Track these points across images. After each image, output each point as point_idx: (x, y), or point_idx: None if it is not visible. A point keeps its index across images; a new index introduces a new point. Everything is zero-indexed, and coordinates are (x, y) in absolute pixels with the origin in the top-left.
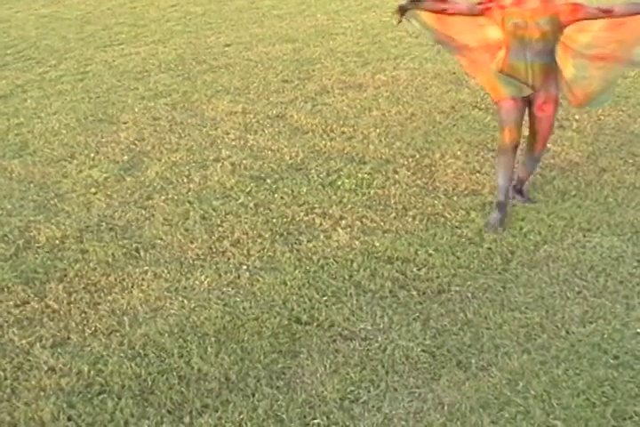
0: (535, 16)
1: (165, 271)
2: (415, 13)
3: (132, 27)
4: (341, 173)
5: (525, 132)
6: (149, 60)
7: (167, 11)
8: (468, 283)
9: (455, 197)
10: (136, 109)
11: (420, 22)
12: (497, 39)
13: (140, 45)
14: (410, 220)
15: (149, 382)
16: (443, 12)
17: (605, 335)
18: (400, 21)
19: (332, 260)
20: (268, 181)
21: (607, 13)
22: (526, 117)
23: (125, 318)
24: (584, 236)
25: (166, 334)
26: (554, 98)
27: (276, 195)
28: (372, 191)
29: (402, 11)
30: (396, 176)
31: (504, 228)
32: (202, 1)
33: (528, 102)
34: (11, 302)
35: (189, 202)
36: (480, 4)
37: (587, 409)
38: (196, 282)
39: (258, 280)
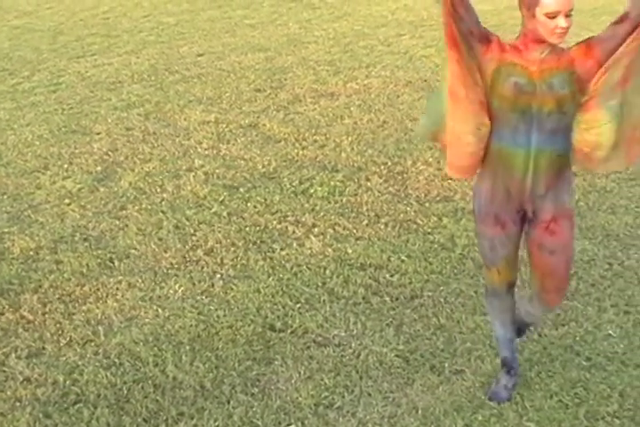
0: (546, 73)
1: (140, 281)
2: None
3: (105, 37)
4: (314, 181)
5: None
6: (122, 70)
7: (140, 21)
8: (441, 288)
9: (427, 204)
10: (109, 120)
11: None
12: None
13: (112, 56)
14: (382, 226)
15: (125, 391)
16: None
17: (577, 338)
18: None
19: (305, 267)
20: (241, 189)
21: (627, 23)
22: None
23: (100, 327)
24: None
25: (141, 343)
26: (568, 212)
27: (248, 203)
28: (344, 199)
29: None
30: (369, 183)
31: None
32: (174, 11)
33: (523, 221)
34: None
35: (163, 212)
36: (484, 29)
37: (559, 411)
38: (170, 291)
39: (231, 288)
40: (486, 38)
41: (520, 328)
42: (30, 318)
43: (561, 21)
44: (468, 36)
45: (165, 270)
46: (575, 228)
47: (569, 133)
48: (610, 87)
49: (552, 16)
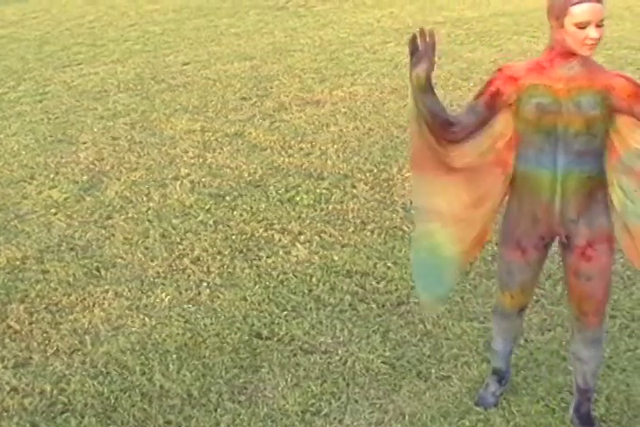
0: (574, 91)
1: (126, 290)
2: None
3: (91, 47)
4: (300, 188)
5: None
6: (108, 79)
7: (126, 30)
8: None
9: (413, 211)
10: (95, 129)
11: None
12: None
13: (98, 65)
14: (368, 234)
15: (112, 400)
16: (443, 131)
17: (563, 342)
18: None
19: (291, 275)
20: (227, 198)
21: None
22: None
23: (87, 336)
24: None
25: (128, 352)
26: (606, 234)
27: (235, 212)
28: (330, 206)
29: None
30: (354, 191)
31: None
32: (160, 20)
33: (546, 248)
34: None
35: (149, 220)
36: (478, 94)
37: (546, 415)
38: (157, 300)
39: (218, 297)
40: (494, 97)
41: (588, 415)
42: (17, 327)
43: (592, 32)
44: (487, 119)
45: (152, 279)
46: (615, 251)
47: (600, 155)
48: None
49: (582, 26)
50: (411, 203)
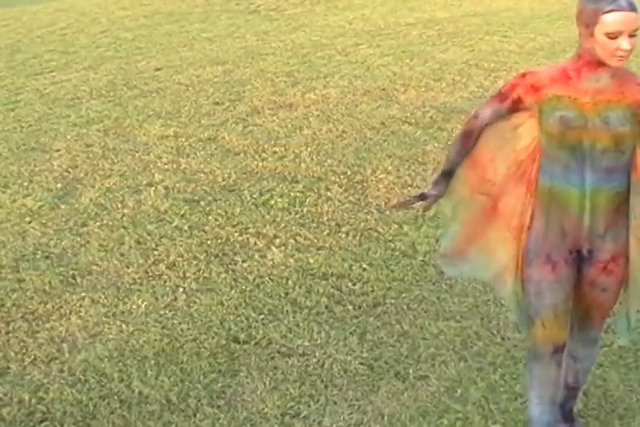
0: (601, 105)
1: (103, 297)
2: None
3: (63, 54)
4: (274, 192)
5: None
6: (81, 86)
7: (97, 37)
8: (403, 295)
9: (388, 212)
10: (68, 137)
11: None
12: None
13: (70, 72)
14: (343, 236)
15: (91, 408)
16: (468, 139)
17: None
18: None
19: (267, 278)
20: (202, 203)
21: None
22: None
23: (64, 344)
24: None
25: (106, 359)
26: (626, 248)
27: (209, 217)
28: (304, 209)
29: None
30: (329, 193)
31: None
32: (131, 26)
33: (577, 264)
34: None
35: (124, 227)
36: (503, 98)
37: (525, 412)
38: (134, 306)
39: (195, 302)
40: (515, 104)
41: (570, 413)
42: None
43: (623, 42)
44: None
45: (128, 286)
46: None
47: (628, 170)
48: None
49: (613, 36)
50: (385, 204)
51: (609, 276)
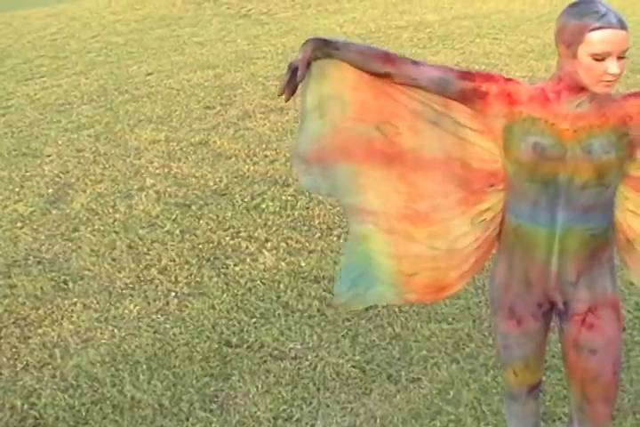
0: (583, 133)
1: (95, 302)
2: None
3: (54, 59)
4: (265, 196)
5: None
6: (71, 91)
7: (88, 42)
8: None
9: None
10: (59, 142)
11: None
12: (489, 170)
13: (61, 77)
14: (334, 239)
15: (83, 413)
16: (385, 76)
17: None
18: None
19: (259, 282)
20: (193, 207)
21: None
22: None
23: (56, 350)
24: None
25: (98, 364)
26: (610, 299)
27: (201, 221)
28: (296, 213)
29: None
30: (320, 197)
31: None
32: (123, 31)
33: (548, 317)
34: None
35: (116, 232)
36: (467, 76)
37: None
38: (126, 311)
39: (187, 306)
40: (474, 92)
41: None
42: None
43: (612, 65)
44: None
45: (120, 290)
46: (622, 319)
47: (609, 209)
48: None
49: (600, 58)
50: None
51: (591, 331)
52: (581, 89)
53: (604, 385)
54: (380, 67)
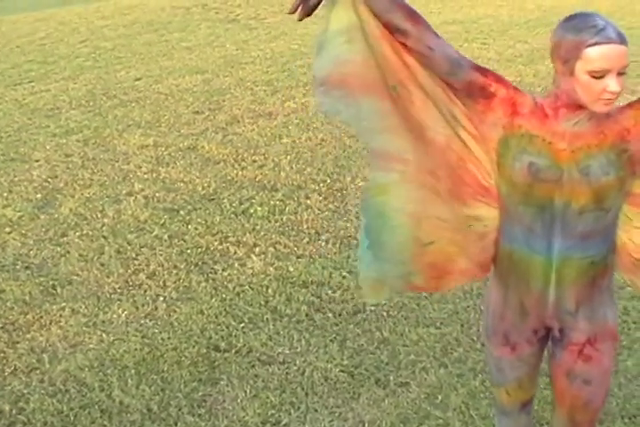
0: (580, 153)
1: (83, 307)
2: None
3: (42, 64)
4: (253, 201)
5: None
6: (60, 96)
7: (76, 46)
8: (383, 302)
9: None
10: (48, 147)
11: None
12: (481, 183)
13: (50, 82)
14: (323, 244)
15: (72, 418)
16: (402, 34)
17: None
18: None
19: (247, 287)
20: (182, 212)
21: None
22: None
23: (45, 355)
24: None
25: (86, 369)
26: (610, 330)
27: (189, 226)
28: (284, 218)
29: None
30: (308, 201)
31: None
32: (111, 36)
33: (543, 340)
34: None
35: (104, 237)
36: (480, 70)
37: None
38: (114, 316)
39: (175, 311)
40: (482, 91)
41: None
42: None
43: (611, 83)
44: (450, 89)
45: (108, 295)
46: (617, 348)
47: (610, 234)
48: None
49: (599, 75)
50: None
51: (588, 363)
52: (579, 107)
53: (593, 410)
54: (402, 21)
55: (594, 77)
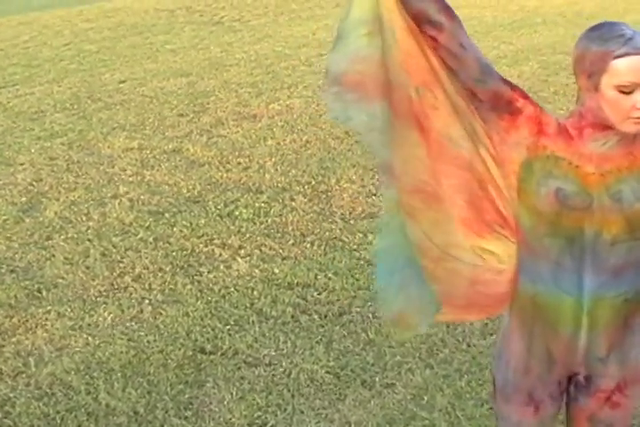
0: (610, 177)
1: (69, 310)
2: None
3: (26, 67)
4: (239, 203)
5: None
6: (44, 100)
7: (61, 49)
8: (369, 304)
9: (352, 221)
10: (32, 150)
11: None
12: (500, 210)
13: (34, 86)
14: (308, 245)
15: (58, 421)
16: (435, 27)
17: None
18: None
19: (232, 289)
20: (167, 215)
21: None
22: None
23: (31, 358)
24: None
25: (72, 372)
26: (639, 374)
27: (174, 228)
28: (269, 220)
29: None
30: (293, 203)
31: None
32: (95, 38)
33: (565, 393)
34: None
35: (89, 240)
36: (507, 83)
37: (491, 418)
38: (100, 318)
39: (161, 313)
40: (509, 105)
41: None
42: None
43: None
44: (472, 99)
45: (94, 298)
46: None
47: None
48: None
49: (627, 90)
50: (350, 213)
51: (615, 410)
52: (606, 126)
53: None
54: (436, 12)
55: (622, 93)
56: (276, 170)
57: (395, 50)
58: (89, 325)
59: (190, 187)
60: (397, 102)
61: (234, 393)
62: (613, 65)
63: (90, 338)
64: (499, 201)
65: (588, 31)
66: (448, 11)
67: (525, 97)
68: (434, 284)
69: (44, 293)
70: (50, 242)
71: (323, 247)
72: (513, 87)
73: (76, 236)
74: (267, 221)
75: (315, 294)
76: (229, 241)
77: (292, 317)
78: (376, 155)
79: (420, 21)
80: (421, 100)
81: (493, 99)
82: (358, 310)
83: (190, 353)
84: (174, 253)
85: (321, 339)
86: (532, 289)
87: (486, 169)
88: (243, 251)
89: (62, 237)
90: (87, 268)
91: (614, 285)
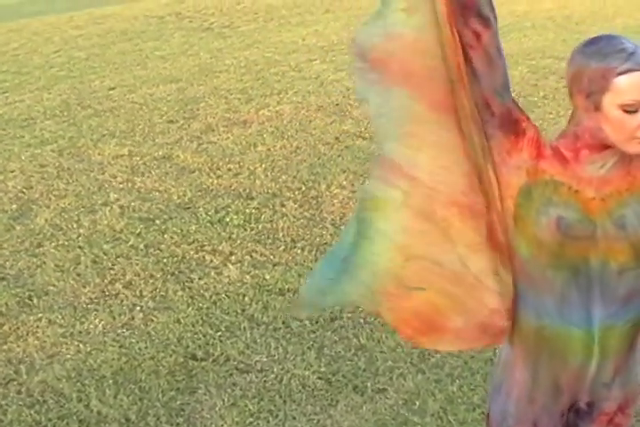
0: (611, 201)
1: (60, 317)
2: None
3: (16, 74)
4: (229, 209)
5: None
6: (34, 107)
7: (50, 56)
8: (360, 309)
9: (343, 227)
10: (23, 158)
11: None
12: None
13: (24, 93)
14: (299, 251)
15: None
16: (481, 18)
17: (497, 350)
18: None
19: (224, 295)
20: (157, 221)
21: None
22: None
23: (22, 366)
24: None
25: (64, 380)
26: (637, 392)
27: (165, 235)
28: (260, 226)
29: None
30: (284, 209)
31: None
32: (85, 45)
33: (568, 416)
34: None
35: (80, 247)
36: (517, 104)
37: (482, 422)
38: (91, 326)
39: (152, 320)
40: (516, 125)
41: None
42: None
43: None
44: (483, 111)
45: (85, 305)
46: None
47: None
48: None
49: (632, 109)
50: (340, 218)
51: None
52: (605, 147)
53: None
54: (487, 6)
55: (626, 112)
56: (267, 176)
57: (437, 34)
58: (80, 332)
59: (181, 193)
60: (433, 93)
61: (225, 400)
62: (616, 83)
63: (81, 345)
64: (498, 225)
65: (584, 46)
66: (494, 11)
67: (528, 118)
68: (398, 299)
69: (35, 300)
70: (40, 249)
71: (313, 253)
72: (519, 107)
73: (66, 243)
74: (257, 227)
75: None
76: (220, 247)
77: (284, 323)
78: (380, 147)
79: (469, 13)
80: (456, 93)
81: (505, 115)
82: (349, 315)
83: (182, 360)
84: (165, 260)
85: (312, 345)
86: (536, 322)
87: (491, 187)
88: (233, 257)
89: (53, 244)
90: (78, 275)
91: (623, 313)
